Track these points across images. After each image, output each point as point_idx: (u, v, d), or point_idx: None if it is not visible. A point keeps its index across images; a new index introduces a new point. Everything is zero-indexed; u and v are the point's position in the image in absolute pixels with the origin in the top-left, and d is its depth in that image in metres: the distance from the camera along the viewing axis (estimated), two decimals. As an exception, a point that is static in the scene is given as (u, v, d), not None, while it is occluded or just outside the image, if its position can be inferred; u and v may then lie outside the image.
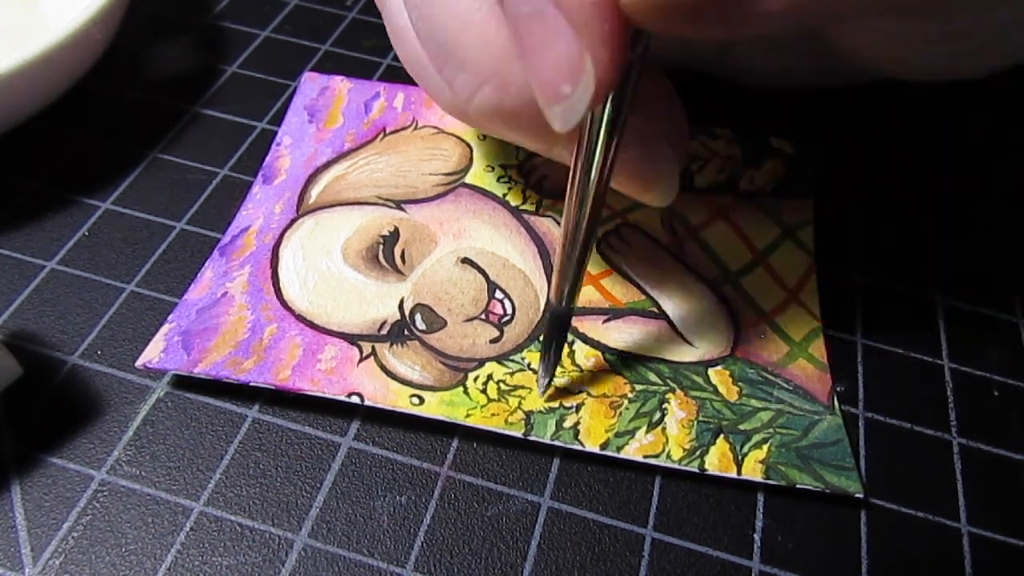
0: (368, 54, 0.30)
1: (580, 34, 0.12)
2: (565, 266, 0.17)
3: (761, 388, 0.21)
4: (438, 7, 0.15)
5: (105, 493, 0.18)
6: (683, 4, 0.12)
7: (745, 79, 0.21)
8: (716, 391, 0.20)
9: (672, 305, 0.22)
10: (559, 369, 0.20)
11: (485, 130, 0.16)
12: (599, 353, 0.21)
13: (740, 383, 0.21)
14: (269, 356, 0.20)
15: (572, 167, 0.15)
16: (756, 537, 0.19)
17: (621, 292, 0.22)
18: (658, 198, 0.18)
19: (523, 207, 0.24)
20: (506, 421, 0.19)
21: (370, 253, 0.23)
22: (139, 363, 0.20)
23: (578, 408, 0.20)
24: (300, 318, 0.21)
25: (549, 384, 0.20)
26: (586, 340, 0.21)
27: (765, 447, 0.19)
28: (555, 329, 0.19)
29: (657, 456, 0.19)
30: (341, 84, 0.28)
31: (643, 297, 0.22)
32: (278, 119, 0.27)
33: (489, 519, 0.19)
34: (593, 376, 0.20)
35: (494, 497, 0.19)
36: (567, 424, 0.19)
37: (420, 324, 0.21)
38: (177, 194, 0.25)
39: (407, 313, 0.21)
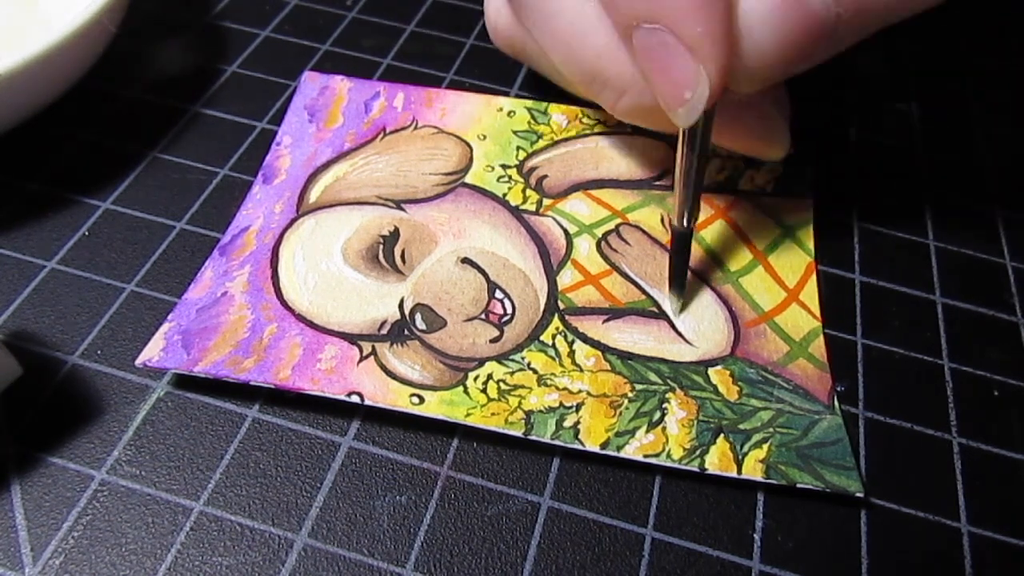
0: (368, 54, 0.30)
1: (695, 55, 0.17)
2: (684, 191, 0.21)
3: (761, 388, 0.21)
4: (573, 46, 0.20)
5: (105, 493, 0.18)
6: (788, 55, 0.18)
7: None
8: (716, 391, 0.20)
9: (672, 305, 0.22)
10: (559, 368, 0.20)
11: (620, 118, 0.22)
12: (599, 353, 0.21)
13: (740, 383, 0.21)
14: (269, 355, 0.20)
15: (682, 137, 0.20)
16: (756, 537, 0.19)
17: (621, 292, 0.22)
18: (776, 150, 0.23)
19: (523, 207, 0.24)
20: (506, 421, 0.19)
21: (370, 253, 0.23)
22: (139, 361, 0.20)
23: (578, 408, 0.20)
24: (300, 318, 0.21)
25: (681, 301, 0.22)
26: (586, 340, 0.21)
27: (765, 446, 0.19)
28: (681, 248, 0.22)
29: (657, 455, 0.19)
30: (341, 84, 0.28)
31: (643, 297, 0.22)
32: (278, 119, 0.27)
33: (489, 519, 0.19)
34: (593, 376, 0.20)
35: (494, 497, 0.19)
36: (567, 424, 0.19)
37: (420, 324, 0.21)
38: (177, 194, 0.25)
39: (407, 313, 0.21)
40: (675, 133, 0.20)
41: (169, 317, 0.21)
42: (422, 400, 0.19)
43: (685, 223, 0.21)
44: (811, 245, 0.24)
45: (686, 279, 0.22)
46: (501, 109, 0.27)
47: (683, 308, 0.22)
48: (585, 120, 0.27)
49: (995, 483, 0.20)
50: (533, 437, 0.19)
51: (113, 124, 0.27)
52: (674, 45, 0.17)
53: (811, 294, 0.23)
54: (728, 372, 0.21)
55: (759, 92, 0.20)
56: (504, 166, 0.26)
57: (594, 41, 0.20)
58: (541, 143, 0.26)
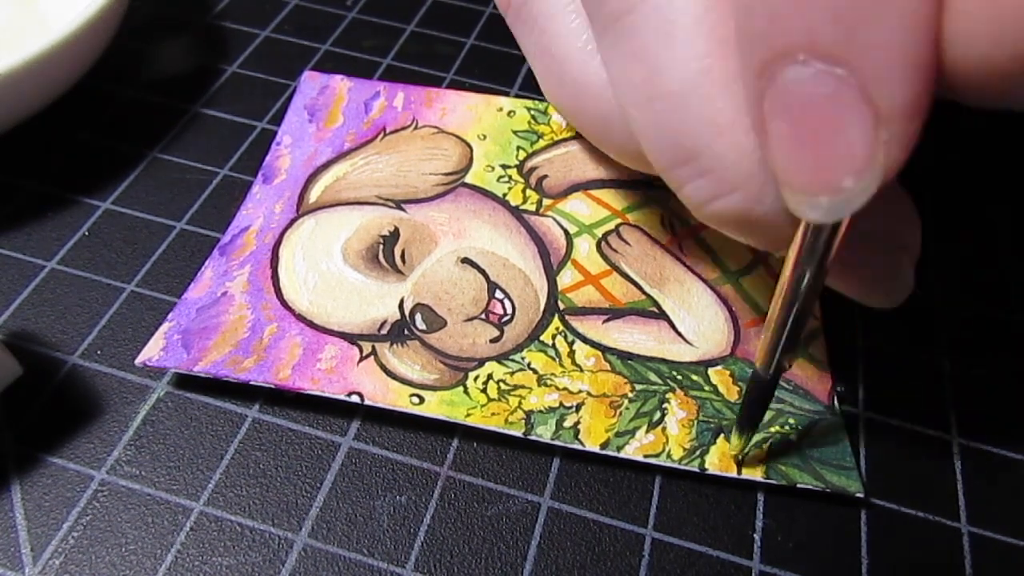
0: (368, 54, 0.30)
1: (881, 123, 0.11)
2: (779, 327, 0.16)
3: (761, 388, 0.21)
4: (684, 108, 0.14)
5: (105, 493, 0.18)
6: None
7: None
8: (716, 391, 0.20)
9: (672, 305, 0.22)
10: (559, 368, 0.20)
11: (706, 222, 0.16)
12: (599, 353, 0.21)
13: (740, 383, 0.21)
14: (269, 355, 0.20)
15: (789, 262, 0.14)
16: (756, 537, 0.19)
17: (621, 292, 0.22)
18: (888, 302, 0.17)
19: (523, 207, 0.24)
20: (506, 421, 0.19)
21: (370, 253, 0.23)
22: (139, 361, 0.20)
23: (578, 408, 0.20)
24: (300, 317, 0.21)
25: (743, 450, 0.19)
26: (586, 340, 0.21)
27: (765, 447, 0.19)
28: (760, 398, 0.17)
29: (657, 456, 0.19)
30: (341, 83, 0.28)
31: (643, 297, 0.22)
32: (278, 119, 0.27)
33: (489, 519, 0.19)
34: (593, 376, 0.20)
35: (494, 497, 0.19)
36: (567, 424, 0.19)
37: (420, 324, 0.21)
38: (177, 194, 0.25)
39: (407, 313, 0.21)
40: (772, 248, 0.15)
41: (169, 317, 0.21)
42: (422, 400, 0.19)
43: (771, 369, 0.16)
44: (811, 245, 0.24)
45: (756, 429, 0.18)
46: (501, 109, 0.27)
47: (745, 450, 0.19)
48: (585, 120, 0.27)
49: (995, 483, 0.20)
50: (533, 437, 0.19)
51: (113, 124, 0.27)
52: (852, 101, 0.11)
53: (811, 294, 0.23)
54: (728, 372, 0.21)
55: (895, 233, 0.15)
56: (504, 166, 0.26)
57: (704, 96, 0.13)
58: (541, 143, 0.26)
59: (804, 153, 0.12)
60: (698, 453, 0.19)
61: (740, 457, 0.19)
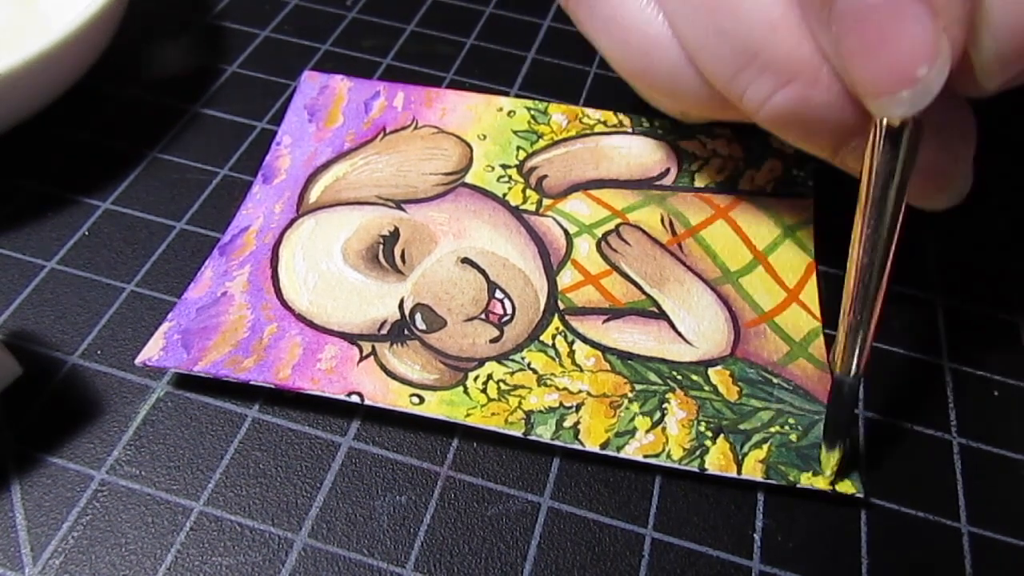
0: (368, 54, 0.30)
1: (937, 15, 0.13)
2: (852, 329, 0.15)
3: (761, 388, 0.21)
4: (740, 14, 0.16)
5: (105, 493, 0.18)
6: None
7: None
8: (716, 391, 0.20)
9: (672, 305, 0.22)
10: (559, 368, 0.20)
11: (772, 130, 0.17)
12: (599, 353, 0.21)
13: (740, 383, 0.21)
14: (269, 355, 0.20)
15: (864, 189, 0.15)
16: (756, 537, 0.19)
17: (621, 292, 0.22)
18: (950, 199, 0.18)
19: (523, 207, 0.24)
20: (506, 421, 0.19)
21: (370, 253, 0.23)
22: (139, 360, 0.20)
23: (578, 408, 0.20)
24: (300, 317, 0.21)
25: (836, 465, 0.18)
26: (586, 340, 0.21)
27: (765, 447, 0.19)
28: (842, 402, 0.17)
29: (657, 456, 0.19)
30: (341, 83, 0.28)
31: (643, 297, 0.22)
32: (278, 119, 0.27)
33: (489, 519, 0.19)
34: (593, 376, 0.20)
35: (494, 497, 0.19)
36: (567, 424, 0.19)
37: (420, 324, 0.21)
38: (177, 194, 0.25)
39: (407, 313, 0.21)
40: (831, 149, 0.16)
41: (169, 317, 0.21)
42: (422, 400, 0.19)
43: (853, 367, 0.16)
44: (811, 245, 0.24)
45: (846, 438, 0.17)
46: (501, 109, 0.27)
47: (837, 465, 0.18)
48: (585, 120, 0.27)
49: (995, 483, 0.20)
50: (533, 437, 0.19)
51: (113, 124, 0.27)
52: (907, 2, 0.13)
53: (811, 294, 0.23)
54: (728, 372, 0.21)
55: (947, 115, 0.16)
56: (504, 166, 0.26)
57: (756, 4, 0.15)
58: (541, 143, 0.26)
59: (878, 58, 0.13)
60: (698, 453, 0.19)
61: (832, 475, 0.18)
